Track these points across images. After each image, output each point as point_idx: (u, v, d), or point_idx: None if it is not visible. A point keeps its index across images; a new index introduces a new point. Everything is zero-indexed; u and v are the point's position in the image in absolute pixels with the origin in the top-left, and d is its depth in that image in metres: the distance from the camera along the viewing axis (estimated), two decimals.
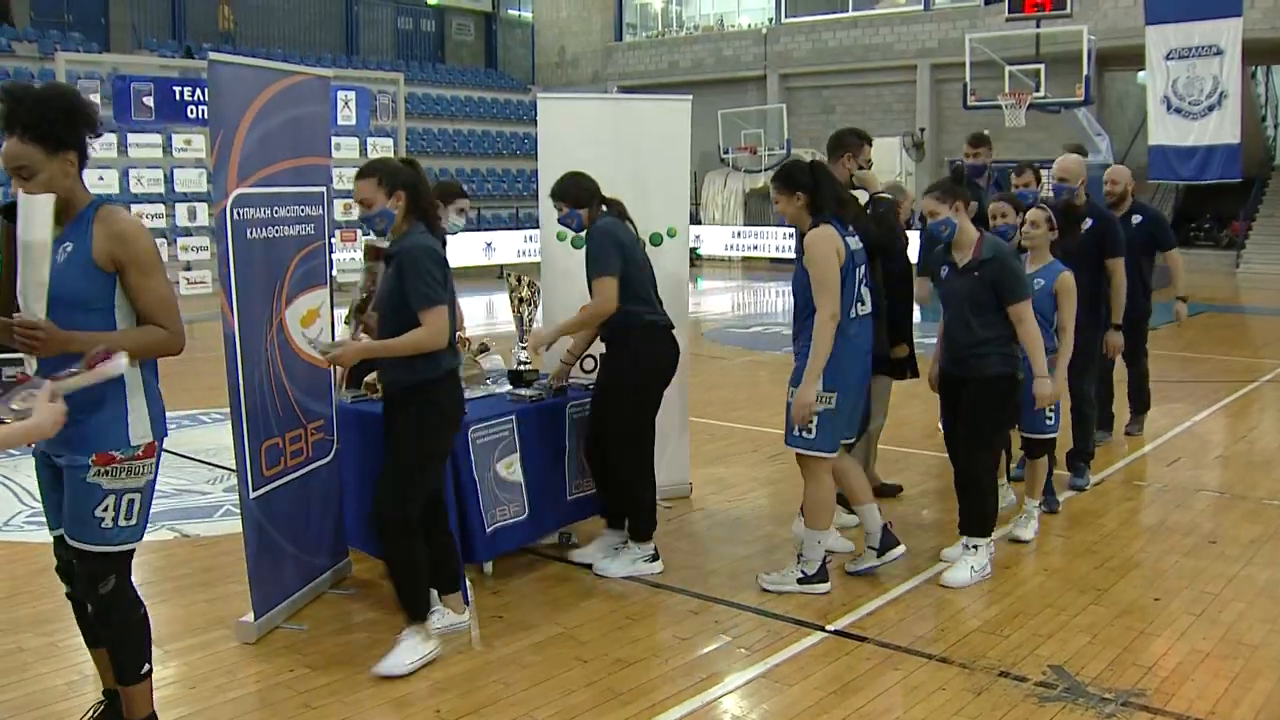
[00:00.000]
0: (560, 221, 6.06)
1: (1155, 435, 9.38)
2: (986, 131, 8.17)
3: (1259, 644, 5.14)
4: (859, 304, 5.61)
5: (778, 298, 22.24)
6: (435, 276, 4.75)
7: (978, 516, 6.01)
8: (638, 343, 5.87)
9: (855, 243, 5.61)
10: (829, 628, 5.33)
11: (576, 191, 5.92)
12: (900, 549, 5.95)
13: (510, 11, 41.95)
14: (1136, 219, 8.45)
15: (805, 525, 5.80)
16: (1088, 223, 7.27)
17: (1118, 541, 6.60)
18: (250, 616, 5.16)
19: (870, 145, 6.71)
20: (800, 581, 5.73)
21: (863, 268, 5.65)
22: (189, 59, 22.84)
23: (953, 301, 6.08)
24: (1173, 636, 5.22)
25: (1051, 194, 7.60)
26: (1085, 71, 21.87)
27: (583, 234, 6.01)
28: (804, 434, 5.60)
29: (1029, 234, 6.55)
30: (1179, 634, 5.25)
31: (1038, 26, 22.73)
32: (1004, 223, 6.66)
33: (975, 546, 6.00)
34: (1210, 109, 21.83)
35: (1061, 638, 5.19)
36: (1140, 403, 9.38)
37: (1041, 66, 22.37)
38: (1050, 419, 6.57)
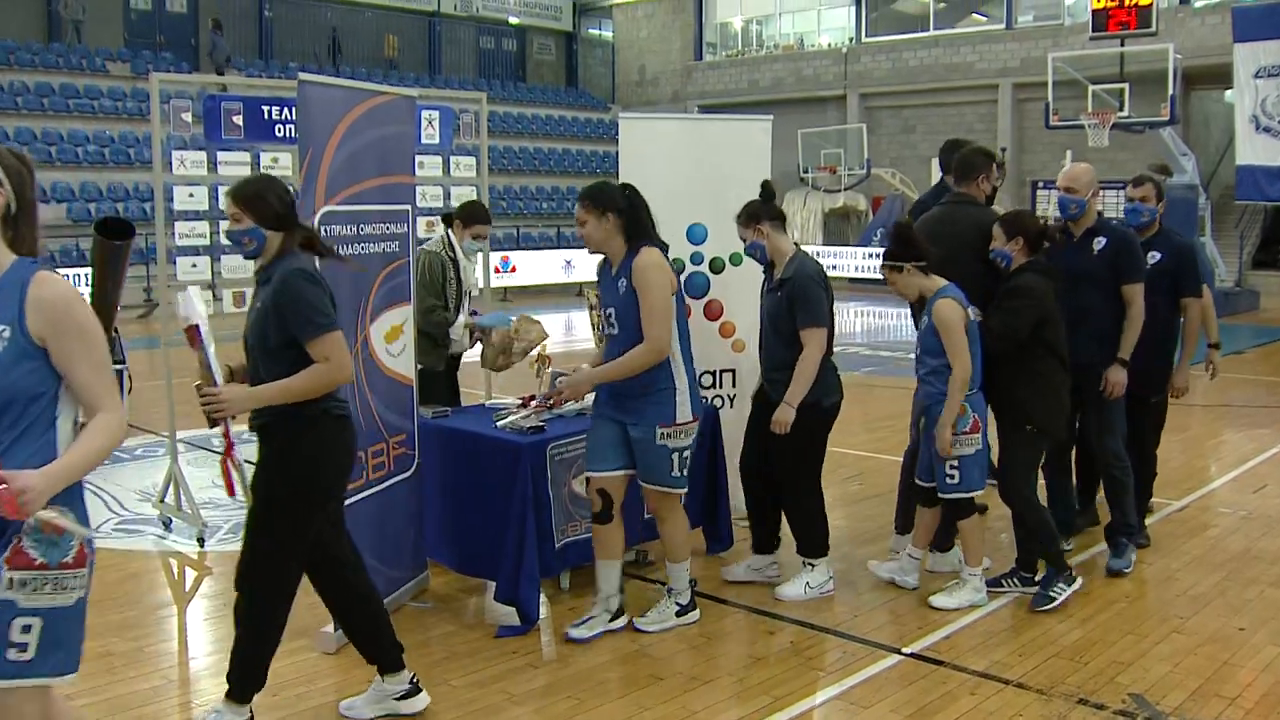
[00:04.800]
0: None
1: (1240, 461, 9.21)
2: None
3: None
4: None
5: (857, 317, 22.12)
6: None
7: (810, 538, 6.02)
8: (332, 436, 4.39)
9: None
10: (905, 650, 5.30)
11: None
12: (622, 621, 5.53)
13: (591, 31, 42.25)
14: (1099, 243, 6.35)
15: (670, 560, 5.58)
16: (1100, 242, 6.29)
17: (1201, 569, 6.49)
18: (330, 627, 5.23)
19: (998, 165, 6.65)
20: (679, 614, 5.55)
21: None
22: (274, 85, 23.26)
23: (762, 321, 6.04)
24: (1258, 667, 5.12)
25: (1058, 206, 6.51)
26: (1171, 90, 21.53)
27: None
28: (683, 472, 5.33)
29: (899, 286, 5.92)
30: (1264, 665, 5.15)
31: (1122, 45, 22.43)
32: (996, 247, 5.93)
33: (811, 564, 6.01)
34: None
35: (1142, 666, 5.12)
36: (1085, 486, 7.24)
37: (1125, 86, 22.05)
38: (952, 476, 5.80)
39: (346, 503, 5.27)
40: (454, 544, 6.00)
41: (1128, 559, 6.41)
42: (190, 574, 6.56)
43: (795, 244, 6.04)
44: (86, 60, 27.26)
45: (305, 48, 33.62)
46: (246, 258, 4.41)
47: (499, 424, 5.88)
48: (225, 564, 6.60)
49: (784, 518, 6.20)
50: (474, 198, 7.74)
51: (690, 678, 4.98)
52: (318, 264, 4.36)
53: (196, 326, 3.95)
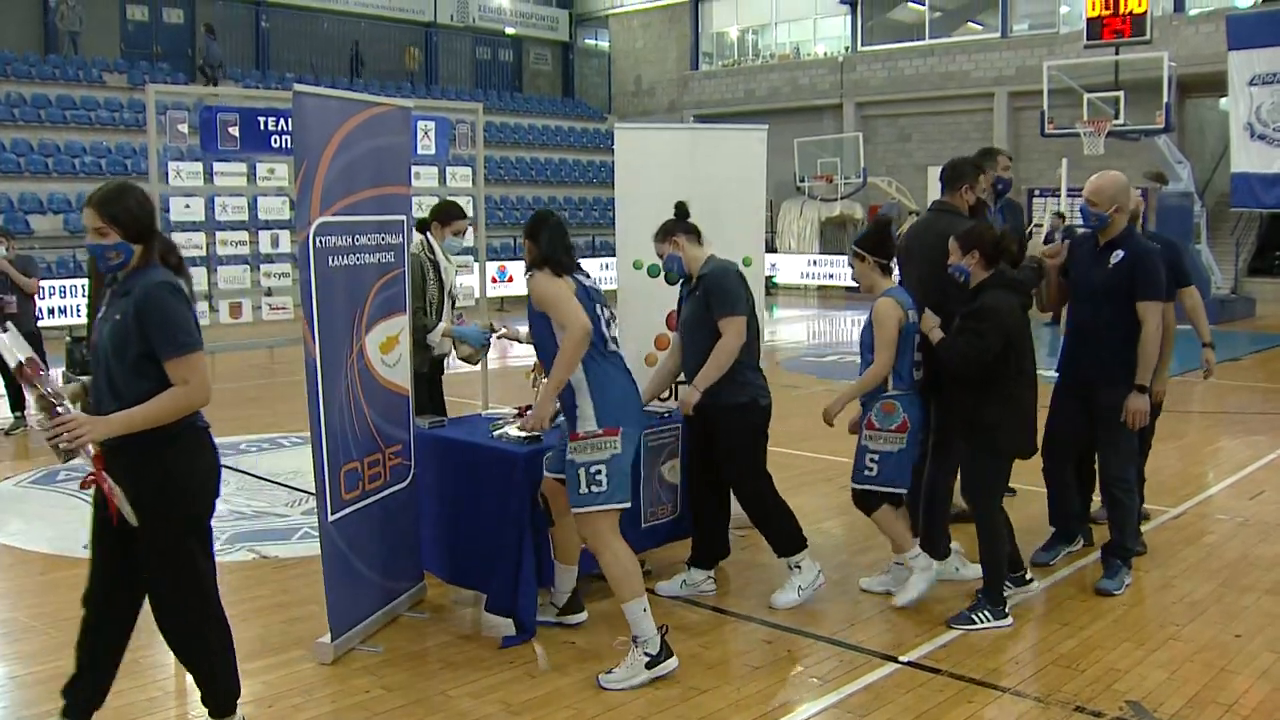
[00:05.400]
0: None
1: (1237, 468, 9.22)
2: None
3: None
4: (611, 340, 5.23)
5: (853, 326, 22.11)
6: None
7: (784, 537, 6.02)
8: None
9: (588, 280, 5.26)
10: (902, 659, 5.30)
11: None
12: (578, 618, 5.65)
13: (587, 41, 42.29)
14: (1117, 256, 6.17)
15: (621, 601, 5.09)
16: (1118, 255, 6.08)
17: (1198, 576, 6.49)
18: (327, 638, 5.23)
19: (985, 173, 6.69)
20: (650, 665, 5.02)
21: (604, 305, 5.26)
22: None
23: (683, 333, 6.12)
24: (1254, 674, 5.12)
25: (1080, 218, 6.27)
26: (1165, 98, 21.57)
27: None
28: (593, 489, 5.02)
29: (856, 274, 6.08)
30: (1261, 671, 5.15)
31: (1117, 53, 22.48)
32: (952, 262, 5.87)
33: (798, 566, 5.99)
34: None
35: (1139, 673, 5.12)
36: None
37: (1121, 94, 22.09)
38: (870, 469, 5.90)
39: (345, 512, 5.29)
40: (447, 554, 6.00)
41: (1119, 581, 6.21)
42: None
43: (711, 254, 6.07)
44: (83, 71, 27.27)
45: (302, 58, 33.67)
46: (108, 271, 4.07)
47: (495, 434, 5.88)
48: (222, 574, 6.58)
49: (759, 533, 6.24)
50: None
51: (688, 687, 4.98)
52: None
53: (32, 358, 3.77)
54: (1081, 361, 6.18)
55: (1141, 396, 6.05)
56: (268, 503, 8.16)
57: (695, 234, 6.02)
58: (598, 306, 5.19)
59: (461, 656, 5.34)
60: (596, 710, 4.75)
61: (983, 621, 5.69)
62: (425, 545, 6.03)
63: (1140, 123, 22.19)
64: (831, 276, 29.24)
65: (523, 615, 5.50)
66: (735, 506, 6.46)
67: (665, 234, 6.02)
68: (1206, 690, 4.94)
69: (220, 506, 8.03)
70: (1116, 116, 22.06)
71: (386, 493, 5.64)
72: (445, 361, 7.14)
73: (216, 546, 6.95)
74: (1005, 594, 5.86)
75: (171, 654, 5.45)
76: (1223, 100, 25.23)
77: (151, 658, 5.36)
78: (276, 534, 7.38)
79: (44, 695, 4.84)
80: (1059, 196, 21.67)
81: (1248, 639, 5.54)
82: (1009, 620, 5.73)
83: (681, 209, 6.09)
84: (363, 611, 5.48)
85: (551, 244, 5.15)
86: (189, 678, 5.14)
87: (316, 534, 5.37)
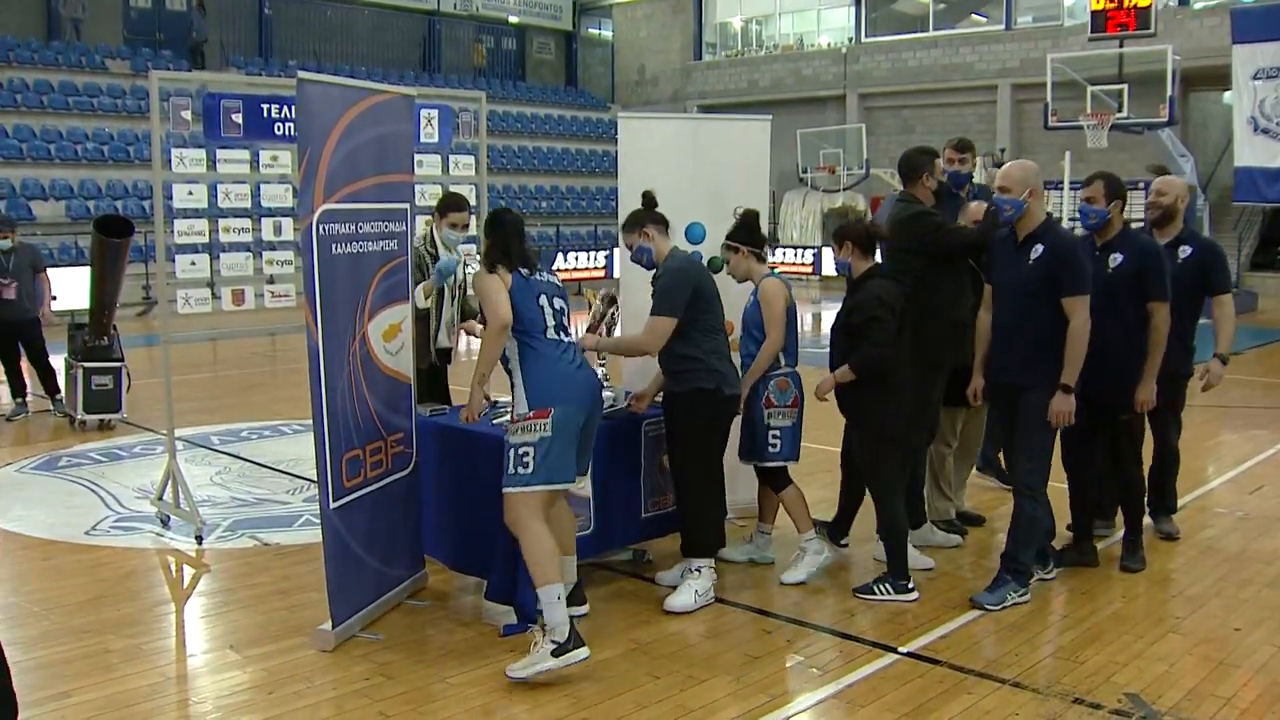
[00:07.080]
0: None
1: (1238, 462, 9.22)
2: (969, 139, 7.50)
3: None
4: (555, 330, 5.20)
5: None
6: None
7: (696, 536, 5.93)
8: None
9: (543, 277, 5.28)
10: (902, 649, 5.31)
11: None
12: (578, 610, 5.48)
13: (591, 30, 42.25)
14: (1185, 251, 6.55)
15: (535, 585, 4.98)
16: (1037, 249, 5.70)
17: (1197, 569, 6.50)
18: (328, 625, 5.24)
19: (939, 158, 6.71)
20: (556, 654, 4.85)
21: (554, 298, 5.26)
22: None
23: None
24: (1253, 668, 5.13)
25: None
26: (1169, 92, 21.57)
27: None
28: (519, 469, 5.03)
29: (731, 265, 6.34)
30: (1260, 665, 5.16)
31: (1120, 46, 22.47)
32: (835, 258, 6.17)
33: (698, 570, 5.88)
34: None
35: (1138, 665, 5.13)
36: (1161, 494, 7.13)
37: (1124, 87, 22.08)
38: (775, 445, 6.20)
39: (347, 499, 5.29)
40: (450, 541, 6.01)
41: (999, 596, 5.79)
42: (188, 571, 6.56)
43: (674, 246, 6.12)
44: (86, 58, 27.23)
45: (306, 45, 33.65)
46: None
47: (495, 421, 5.88)
48: (223, 561, 6.62)
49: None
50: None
51: (687, 676, 4.99)
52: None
53: None
54: (1005, 363, 5.88)
55: (1067, 398, 5.61)
56: (269, 490, 8.17)
57: (664, 224, 6.02)
58: (543, 298, 5.21)
59: (462, 644, 5.35)
60: (596, 699, 4.76)
61: (883, 593, 5.92)
62: (428, 532, 6.04)
63: (1144, 116, 22.18)
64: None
65: (523, 603, 5.50)
66: (730, 495, 6.48)
67: (635, 225, 5.99)
68: (1205, 683, 4.95)
69: (222, 493, 8.11)
70: (1120, 110, 22.05)
71: (388, 480, 5.65)
72: (451, 353, 7.15)
73: (217, 534, 7.04)
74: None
75: (173, 640, 5.50)
76: (1226, 94, 25.20)
77: (152, 644, 5.39)
78: (278, 521, 7.39)
79: (45, 680, 4.86)
80: (1062, 190, 21.65)
81: (1247, 632, 5.55)
82: (914, 594, 5.93)
83: (649, 198, 6.07)
84: (364, 599, 5.49)
85: (502, 245, 5.23)
86: (190, 665, 5.19)
87: (318, 521, 5.39)
